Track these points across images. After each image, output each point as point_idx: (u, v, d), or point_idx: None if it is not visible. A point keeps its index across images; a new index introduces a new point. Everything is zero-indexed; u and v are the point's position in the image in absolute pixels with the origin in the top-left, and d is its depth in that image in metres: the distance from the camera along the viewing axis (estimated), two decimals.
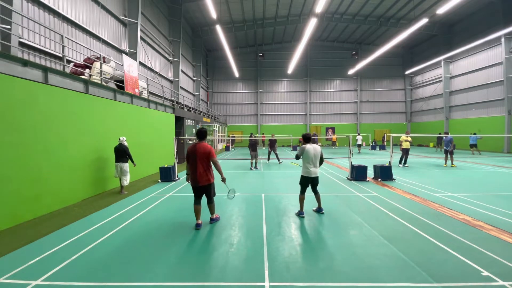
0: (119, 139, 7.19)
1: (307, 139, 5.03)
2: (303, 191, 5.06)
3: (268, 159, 13.91)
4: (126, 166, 7.09)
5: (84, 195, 6.60)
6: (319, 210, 5.24)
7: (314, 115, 31.53)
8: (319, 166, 5.04)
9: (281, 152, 22.16)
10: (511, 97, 18.41)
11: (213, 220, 4.80)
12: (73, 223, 4.79)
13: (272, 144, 13.31)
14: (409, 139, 11.54)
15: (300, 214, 5.05)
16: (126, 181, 7.15)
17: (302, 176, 5.02)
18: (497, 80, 19.54)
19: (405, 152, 11.70)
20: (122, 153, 7.00)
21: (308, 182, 5.00)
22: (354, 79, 31.12)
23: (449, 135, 11.45)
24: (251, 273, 3.03)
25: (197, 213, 4.55)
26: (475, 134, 17.15)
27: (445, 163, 11.83)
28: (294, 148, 23.91)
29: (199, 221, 4.53)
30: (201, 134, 4.51)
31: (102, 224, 4.72)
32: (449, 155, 11.58)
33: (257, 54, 31.05)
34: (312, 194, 5.24)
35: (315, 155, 4.89)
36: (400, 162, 11.96)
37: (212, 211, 4.78)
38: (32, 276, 2.99)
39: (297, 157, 5.10)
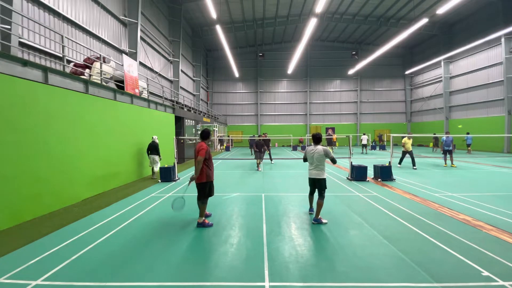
0: (152, 138, 9.28)
1: (315, 139, 4.91)
2: (310, 192, 5.12)
3: (271, 159, 13.81)
4: (157, 157, 9.18)
5: (84, 195, 6.60)
6: (316, 220, 4.64)
7: (314, 115, 31.54)
8: (334, 164, 5.04)
9: (281, 152, 22.18)
10: (511, 97, 18.41)
11: (199, 225, 4.51)
12: (73, 223, 4.79)
13: (266, 144, 12.81)
14: (407, 140, 11.26)
15: (310, 210, 5.23)
16: (156, 168, 9.21)
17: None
18: (497, 80, 19.54)
19: (409, 154, 11.33)
20: (154, 148, 9.09)
21: (310, 183, 4.91)
22: (354, 79, 31.12)
23: (450, 136, 11.41)
24: (251, 273, 3.03)
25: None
26: (468, 133, 17.84)
27: (445, 163, 11.82)
28: (294, 148, 23.92)
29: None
30: (201, 134, 4.71)
31: (102, 224, 4.71)
32: (448, 155, 11.56)
33: (257, 54, 31.06)
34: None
35: (313, 156, 4.70)
36: (399, 163, 11.89)
37: (200, 212, 4.55)
38: (32, 276, 2.99)
39: (304, 159, 5.06)
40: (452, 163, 11.57)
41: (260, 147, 11.37)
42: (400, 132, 29.79)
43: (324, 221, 4.65)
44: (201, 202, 4.52)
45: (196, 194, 4.61)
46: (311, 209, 5.22)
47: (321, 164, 4.68)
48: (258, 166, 11.50)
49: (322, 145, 4.84)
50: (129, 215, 5.21)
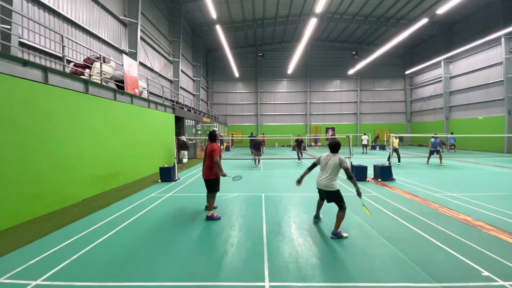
0: (181, 137, 11.76)
1: (332, 148, 4.24)
2: (320, 198, 4.58)
3: (255, 161, 13.45)
4: (186, 152, 11.97)
5: (84, 195, 6.60)
6: (335, 234, 3.99)
7: (314, 115, 31.52)
8: (355, 185, 3.99)
9: (281, 152, 22.17)
10: (511, 97, 18.41)
11: (208, 218, 4.90)
12: (73, 223, 4.79)
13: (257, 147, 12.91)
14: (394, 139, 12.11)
15: (314, 218, 4.74)
16: (185, 159, 12.09)
17: None
18: (497, 80, 19.54)
19: (395, 151, 12.27)
20: (184, 145, 11.83)
21: (319, 192, 4.41)
22: (354, 79, 31.11)
23: (438, 138, 12.10)
24: (251, 273, 3.03)
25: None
26: (452, 133, 18.62)
27: (427, 161, 12.62)
28: (294, 148, 23.87)
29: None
30: (209, 136, 5.14)
31: (102, 224, 4.72)
32: (437, 155, 12.23)
33: (257, 54, 31.03)
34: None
35: (326, 164, 4.14)
36: (388, 159, 12.27)
37: (208, 206, 5.02)
38: (32, 276, 2.99)
39: (312, 164, 4.51)
40: (440, 162, 12.10)
41: (258, 147, 12.33)
42: (400, 132, 29.82)
43: (344, 234, 3.98)
44: (210, 196, 4.97)
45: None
46: (316, 216, 4.69)
47: (334, 175, 4.07)
48: (254, 162, 12.66)
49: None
50: (129, 215, 5.21)
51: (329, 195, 4.15)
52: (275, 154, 19.58)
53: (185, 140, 11.99)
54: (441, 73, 25.07)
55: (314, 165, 4.50)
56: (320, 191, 4.36)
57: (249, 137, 19.56)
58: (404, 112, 31.38)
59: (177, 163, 11.76)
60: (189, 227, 4.52)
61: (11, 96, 4.81)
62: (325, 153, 4.40)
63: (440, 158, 12.09)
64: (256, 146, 12.38)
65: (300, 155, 14.33)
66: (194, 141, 16.51)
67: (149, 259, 3.39)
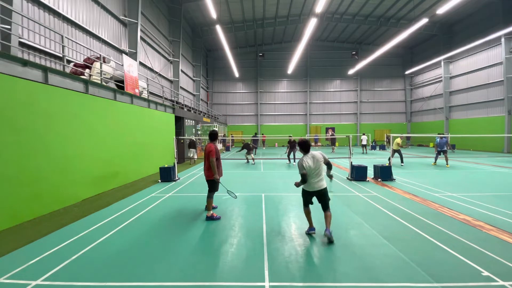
0: (191, 137, 13.93)
1: (303, 146, 4.04)
2: (305, 204, 4.16)
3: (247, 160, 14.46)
4: (194, 150, 13.52)
5: (84, 195, 6.60)
6: (330, 232, 3.82)
7: (314, 115, 31.52)
8: (330, 170, 4.21)
9: (281, 152, 22.14)
10: (511, 97, 18.41)
11: (208, 218, 4.89)
12: (73, 223, 4.79)
13: (248, 147, 14.37)
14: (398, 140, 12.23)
15: (310, 231, 4.13)
16: (195, 157, 13.62)
17: (302, 190, 4.12)
18: (497, 80, 19.54)
19: (398, 152, 12.25)
20: (192, 144, 13.47)
21: (311, 196, 4.06)
22: (354, 79, 31.10)
23: (444, 137, 11.69)
24: (251, 273, 3.03)
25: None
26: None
27: (435, 162, 12.26)
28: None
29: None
30: (210, 135, 5.08)
31: (102, 224, 4.72)
32: (442, 154, 11.88)
33: (257, 54, 31.02)
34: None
35: (316, 166, 3.89)
36: (392, 159, 12.42)
37: (206, 206, 4.98)
38: (32, 276, 2.99)
39: (303, 177, 3.88)
40: (447, 164, 11.81)
41: (247, 147, 14.03)
42: (400, 132, 29.83)
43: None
44: (208, 196, 4.96)
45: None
46: (311, 228, 4.13)
47: (321, 172, 3.98)
48: (247, 160, 14.21)
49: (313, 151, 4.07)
50: (129, 215, 5.21)
51: (322, 194, 3.93)
52: (275, 154, 19.56)
53: (194, 139, 14.00)
54: (441, 73, 25.07)
55: (304, 176, 3.90)
56: (313, 194, 4.00)
57: (252, 137, 20.47)
58: (404, 112, 31.38)
59: (186, 159, 14.18)
60: (189, 227, 4.52)
61: (11, 96, 4.81)
62: (305, 159, 3.91)
63: (446, 159, 11.81)
64: (249, 147, 14.07)
65: (293, 156, 13.69)
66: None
67: (149, 259, 3.38)
